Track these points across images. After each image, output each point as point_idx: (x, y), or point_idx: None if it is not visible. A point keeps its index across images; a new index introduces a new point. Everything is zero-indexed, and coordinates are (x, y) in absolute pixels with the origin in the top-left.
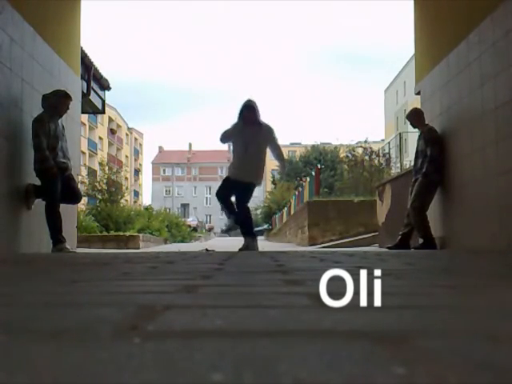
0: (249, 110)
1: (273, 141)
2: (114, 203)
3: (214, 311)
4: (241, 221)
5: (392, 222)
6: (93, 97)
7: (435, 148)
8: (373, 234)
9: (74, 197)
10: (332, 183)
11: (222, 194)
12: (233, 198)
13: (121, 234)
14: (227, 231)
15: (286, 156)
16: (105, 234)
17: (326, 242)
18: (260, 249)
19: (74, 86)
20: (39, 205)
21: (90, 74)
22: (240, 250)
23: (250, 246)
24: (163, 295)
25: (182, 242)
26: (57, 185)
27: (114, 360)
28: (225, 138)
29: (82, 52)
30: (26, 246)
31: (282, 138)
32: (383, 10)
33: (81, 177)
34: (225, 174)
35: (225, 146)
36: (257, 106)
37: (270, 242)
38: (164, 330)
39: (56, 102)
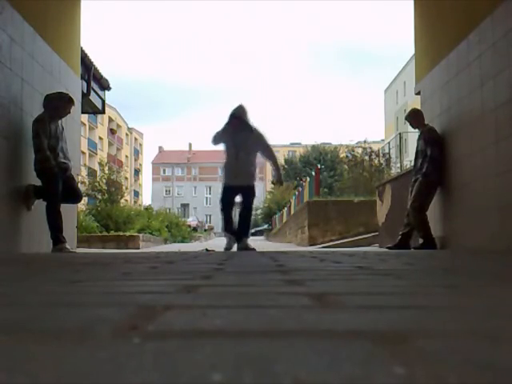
0: (237, 119)
1: (265, 148)
2: (114, 203)
3: (214, 311)
4: (240, 221)
5: (392, 222)
6: (93, 97)
7: (435, 148)
8: (373, 233)
9: (74, 196)
10: (332, 183)
11: (223, 201)
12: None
13: (121, 234)
14: (227, 250)
15: (286, 156)
16: (105, 234)
17: (326, 242)
18: (260, 249)
19: (74, 85)
20: (39, 205)
21: (90, 73)
22: (225, 249)
23: (235, 244)
24: (163, 295)
25: (182, 241)
26: (57, 185)
27: (114, 360)
28: (216, 139)
29: (82, 52)
30: (26, 246)
31: (282, 138)
32: (384, 10)
33: (81, 177)
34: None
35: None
36: (246, 114)
37: (270, 242)
38: (164, 329)
39: (59, 105)
